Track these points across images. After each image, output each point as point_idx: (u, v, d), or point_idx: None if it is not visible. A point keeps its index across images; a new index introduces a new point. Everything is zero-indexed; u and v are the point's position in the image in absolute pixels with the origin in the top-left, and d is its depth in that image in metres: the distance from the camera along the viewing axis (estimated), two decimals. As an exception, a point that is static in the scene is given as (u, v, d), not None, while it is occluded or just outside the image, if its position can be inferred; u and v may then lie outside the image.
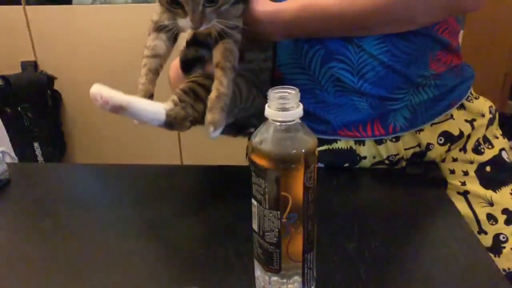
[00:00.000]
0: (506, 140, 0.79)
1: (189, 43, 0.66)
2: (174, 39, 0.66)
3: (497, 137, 0.77)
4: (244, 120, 0.70)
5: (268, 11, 0.64)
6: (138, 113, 0.59)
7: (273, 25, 0.65)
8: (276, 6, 0.64)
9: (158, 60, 0.64)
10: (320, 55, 0.69)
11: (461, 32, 0.90)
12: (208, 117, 0.59)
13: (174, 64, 0.73)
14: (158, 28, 0.64)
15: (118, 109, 0.58)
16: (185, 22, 0.58)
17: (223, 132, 0.72)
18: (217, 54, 0.61)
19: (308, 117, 0.73)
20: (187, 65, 0.68)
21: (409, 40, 0.67)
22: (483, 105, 0.77)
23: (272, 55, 0.72)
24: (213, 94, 0.60)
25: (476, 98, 0.77)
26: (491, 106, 0.78)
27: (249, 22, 0.63)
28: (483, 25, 2.13)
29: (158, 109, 0.60)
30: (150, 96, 0.62)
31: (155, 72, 0.64)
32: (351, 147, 0.74)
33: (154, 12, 0.64)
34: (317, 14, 0.64)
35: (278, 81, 0.72)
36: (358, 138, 0.72)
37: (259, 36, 0.65)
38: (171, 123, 0.61)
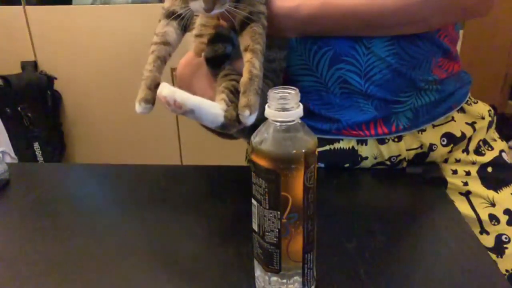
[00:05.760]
0: (504, 142, 0.80)
1: (213, 40, 0.64)
2: (184, 29, 0.64)
3: (495, 140, 0.79)
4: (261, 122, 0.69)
5: (287, 7, 0.63)
6: (202, 116, 0.58)
7: (290, 21, 0.64)
8: (296, 2, 0.63)
9: (168, 48, 0.62)
10: (328, 57, 0.69)
11: (461, 32, 0.91)
12: (242, 100, 0.56)
13: (183, 62, 0.71)
14: (169, 15, 0.62)
15: (187, 113, 0.57)
16: (197, 5, 0.55)
17: (240, 134, 0.70)
18: (245, 38, 0.59)
19: (312, 117, 0.73)
20: (216, 62, 0.65)
21: (415, 44, 0.68)
22: (482, 108, 0.78)
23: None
24: (245, 77, 0.57)
25: (475, 103, 0.79)
26: (490, 110, 0.80)
27: (267, 16, 0.62)
28: (483, 25, 2.13)
29: (218, 111, 0.59)
30: (156, 85, 0.60)
31: (163, 60, 0.62)
32: (353, 147, 0.74)
33: None
34: (335, 13, 0.63)
35: (285, 82, 0.72)
36: (361, 137, 0.72)
37: (274, 31, 0.64)
38: (226, 124, 0.59)
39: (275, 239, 0.44)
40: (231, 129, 0.60)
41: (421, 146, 0.74)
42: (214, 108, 0.59)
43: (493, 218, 0.71)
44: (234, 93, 0.60)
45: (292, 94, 0.42)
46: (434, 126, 0.74)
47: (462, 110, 0.76)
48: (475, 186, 0.73)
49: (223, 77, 0.64)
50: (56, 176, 0.81)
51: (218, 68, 0.65)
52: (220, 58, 0.64)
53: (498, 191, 0.73)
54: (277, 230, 0.44)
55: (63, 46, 2.04)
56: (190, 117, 0.58)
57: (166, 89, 0.56)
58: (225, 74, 0.64)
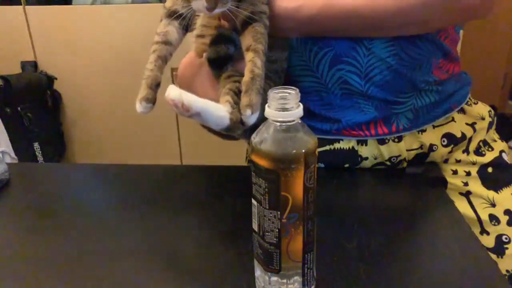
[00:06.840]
0: (504, 143, 0.80)
1: (215, 41, 0.64)
2: (185, 29, 0.64)
3: (495, 140, 0.79)
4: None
5: (288, 7, 0.63)
6: (207, 118, 0.58)
7: (291, 22, 0.64)
8: (298, 3, 0.63)
9: (169, 47, 0.62)
10: (329, 57, 0.69)
11: (461, 32, 0.91)
12: (244, 100, 0.56)
13: (185, 62, 0.71)
14: (171, 14, 0.62)
15: (194, 115, 0.56)
16: (199, 4, 0.55)
17: (241, 135, 0.70)
18: (247, 37, 0.59)
19: (312, 117, 0.73)
20: (218, 63, 0.65)
21: (416, 45, 0.68)
22: (482, 109, 0.79)
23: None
24: (247, 76, 0.57)
25: (475, 103, 0.79)
26: (490, 111, 0.80)
27: (268, 16, 0.62)
28: (483, 25, 2.13)
29: (224, 113, 0.58)
30: (157, 85, 0.60)
31: (164, 60, 0.62)
32: (353, 147, 0.74)
33: None
34: (337, 14, 0.63)
35: (285, 82, 0.72)
36: (361, 138, 0.72)
37: (276, 31, 0.64)
38: (231, 127, 0.59)
39: (275, 239, 0.44)
40: (235, 131, 0.60)
41: (421, 147, 0.74)
42: (220, 111, 0.59)
43: (493, 218, 0.71)
44: (238, 95, 0.60)
45: (292, 94, 0.42)
46: (434, 126, 0.74)
47: (462, 111, 0.76)
48: (475, 186, 0.73)
49: (227, 78, 0.63)
50: (56, 176, 0.81)
51: (220, 69, 0.65)
52: (222, 59, 0.64)
53: (498, 192, 0.73)
54: (277, 230, 0.44)
55: (63, 46, 2.04)
56: (196, 120, 0.58)
57: (173, 92, 0.55)
58: (229, 75, 0.64)
